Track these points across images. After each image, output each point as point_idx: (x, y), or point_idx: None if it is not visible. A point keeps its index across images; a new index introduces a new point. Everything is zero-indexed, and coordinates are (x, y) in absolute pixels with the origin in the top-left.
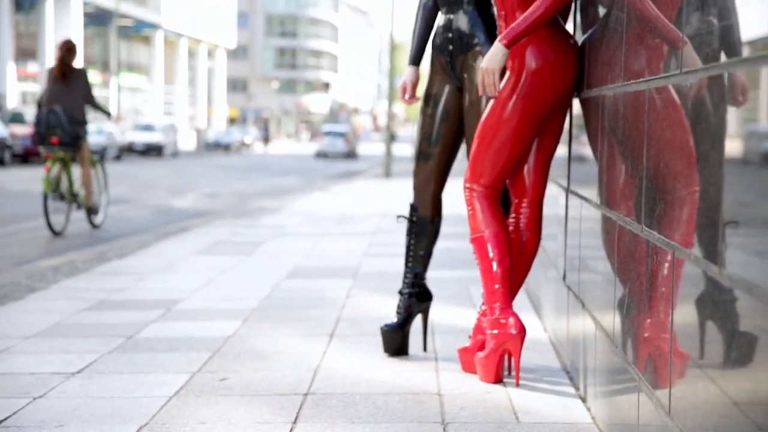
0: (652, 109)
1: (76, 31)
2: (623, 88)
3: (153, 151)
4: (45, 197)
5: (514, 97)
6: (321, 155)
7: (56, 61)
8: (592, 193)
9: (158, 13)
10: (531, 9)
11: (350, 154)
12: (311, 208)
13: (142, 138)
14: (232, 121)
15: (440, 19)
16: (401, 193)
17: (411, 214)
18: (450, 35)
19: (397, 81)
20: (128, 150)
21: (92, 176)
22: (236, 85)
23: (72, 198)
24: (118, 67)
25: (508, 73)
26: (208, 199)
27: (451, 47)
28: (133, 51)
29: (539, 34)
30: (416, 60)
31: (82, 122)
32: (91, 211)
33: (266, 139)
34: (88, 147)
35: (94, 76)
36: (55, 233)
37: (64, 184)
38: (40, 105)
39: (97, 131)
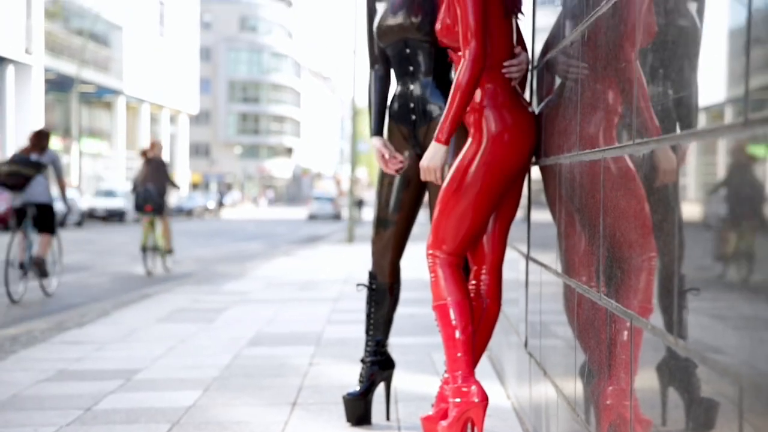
0: (607, 178)
1: (37, 98)
2: (579, 156)
3: (115, 216)
4: (6, 264)
5: (475, 164)
6: (312, 217)
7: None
8: (552, 259)
9: (120, 79)
10: (449, 100)
11: (337, 216)
12: (274, 273)
13: (103, 204)
14: (194, 186)
15: (397, 88)
16: (364, 258)
17: (370, 282)
18: (411, 105)
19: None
20: (90, 216)
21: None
22: (199, 150)
23: (154, 249)
24: (80, 133)
25: (469, 140)
26: (170, 265)
27: (413, 117)
28: (95, 117)
29: (498, 102)
30: (379, 131)
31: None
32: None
33: (220, 204)
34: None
35: (54, 143)
36: (13, 301)
37: (150, 240)
38: (135, 185)
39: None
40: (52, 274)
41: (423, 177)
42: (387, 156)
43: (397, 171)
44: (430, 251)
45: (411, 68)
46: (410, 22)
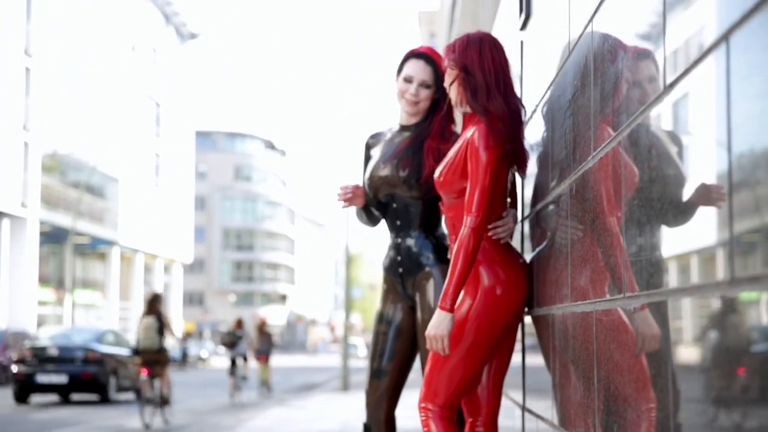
0: (599, 330)
1: (31, 250)
2: (571, 308)
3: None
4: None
5: (468, 319)
6: None
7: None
8: (548, 410)
9: (115, 230)
10: (450, 268)
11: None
12: (268, 424)
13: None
14: (188, 335)
15: (390, 241)
16: (359, 407)
17: None
18: (399, 258)
19: (353, 292)
20: None
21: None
22: (192, 299)
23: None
24: (73, 284)
25: (461, 295)
26: (158, 417)
27: (401, 270)
28: (89, 267)
29: (490, 258)
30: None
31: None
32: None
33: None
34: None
35: (48, 294)
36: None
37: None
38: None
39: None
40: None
41: (429, 346)
42: (347, 187)
43: (344, 198)
44: (423, 404)
45: (398, 222)
46: (397, 176)
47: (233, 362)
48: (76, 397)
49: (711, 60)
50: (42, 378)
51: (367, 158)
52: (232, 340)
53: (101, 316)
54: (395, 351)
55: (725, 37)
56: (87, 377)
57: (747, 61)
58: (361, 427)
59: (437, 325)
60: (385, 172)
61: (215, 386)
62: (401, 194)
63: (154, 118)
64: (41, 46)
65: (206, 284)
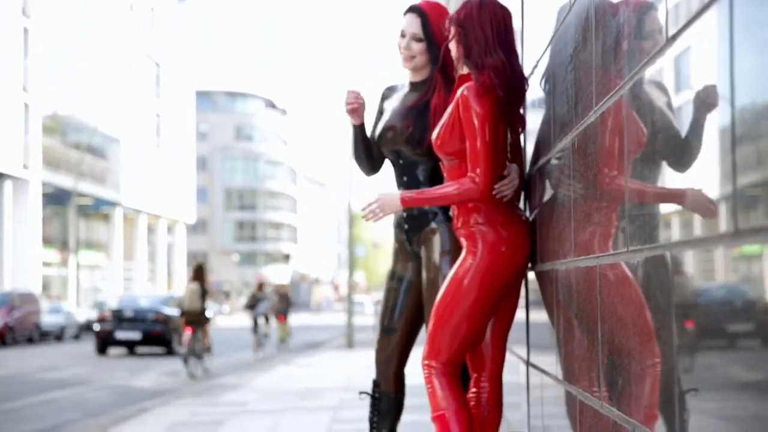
0: (603, 284)
1: (34, 211)
2: (574, 263)
3: None
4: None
5: (470, 276)
6: None
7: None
8: (552, 365)
9: (117, 191)
10: (436, 192)
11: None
12: (273, 382)
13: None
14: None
15: None
16: (364, 364)
17: (374, 391)
18: (405, 214)
19: (357, 250)
20: (87, 328)
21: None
22: (196, 259)
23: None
24: (77, 246)
25: (464, 253)
26: (169, 378)
27: (407, 226)
28: (92, 229)
29: (492, 219)
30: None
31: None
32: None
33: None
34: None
35: (52, 255)
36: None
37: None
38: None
39: (54, 310)
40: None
41: (363, 212)
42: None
43: (349, 104)
44: (426, 362)
45: (405, 178)
46: (401, 134)
47: (255, 322)
48: (142, 350)
49: (713, 11)
50: (120, 335)
51: (381, 111)
52: (253, 302)
53: (105, 277)
54: (405, 307)
55: None
56: (156, 334)
57: (750, 13)
58: (368, 384)
59: (388, 203)
60: (391, 131)
61: (219, 345)
62: (407, 152)
63: (153, 78)
64: (39, 7)
65: (209, 244)
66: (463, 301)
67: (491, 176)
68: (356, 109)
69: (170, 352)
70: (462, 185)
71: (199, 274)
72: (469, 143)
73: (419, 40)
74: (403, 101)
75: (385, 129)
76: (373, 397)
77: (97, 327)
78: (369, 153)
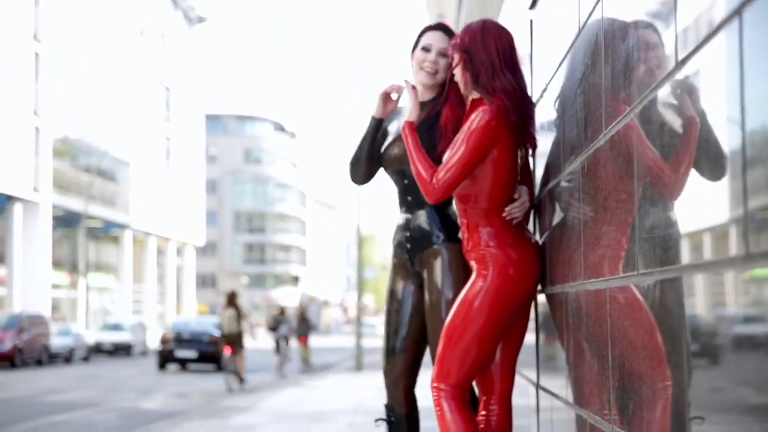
0: (613, 307)
1: (44, 234)
2: (584, 286)
3: (121, 350)
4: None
5: (480, 298)
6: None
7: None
8: (562, 388)
9: (127, 214)
10: (417, 156)
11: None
12: (282, 404)
13: (110, 338)
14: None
15: (399, 218)
16: (373, 386)
17: (388, 415)
18: (408, 234)
19: (366, 272)
20: (96, 350)
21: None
22: (205, 281)
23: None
24: (87, 268)
25: (474, 275)
26: (178, 399)
27: (409, 246)
28: (102, 251)
29: (501, 242)
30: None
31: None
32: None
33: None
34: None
35: (61, 278)
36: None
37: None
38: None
39: (64, 332)
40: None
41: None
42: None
43: (387, 92)
44: (435, 384)
45: (409, 198)
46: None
47: (278, 343)
48: (194, 367)
49: (722, 36)
50: (179, 353)
51: (385, 132)
52: (274, 325)
53: (115, 299)
54: (408, 328)
55: (738, 12)
56: (210, 353)
57: (759, 38)
58: (377, 406)
59: (409, 107)
60: (397, 149)
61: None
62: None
63: (163, 102)
64: (50, 31)
65: (219, 266)
66: (473, 323)
67: (448, 189)
68: (389, 101)
69: (219, 368)
70: (427, 175)
71: (231, 300)
72: (452, 149)
73: (445, 56)
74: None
75: (392, 146)
76: (388, 422)
77: (159, 347)
78: (372, 153)
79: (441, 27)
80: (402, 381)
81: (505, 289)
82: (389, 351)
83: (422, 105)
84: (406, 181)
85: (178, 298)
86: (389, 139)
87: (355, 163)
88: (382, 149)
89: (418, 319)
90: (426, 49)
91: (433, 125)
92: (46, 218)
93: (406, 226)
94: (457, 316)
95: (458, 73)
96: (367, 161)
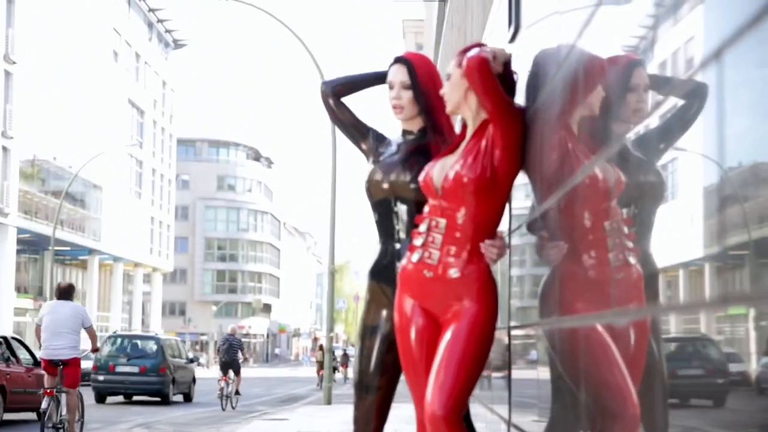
0: (587, 345)
1: (9, 258)
2: (558, 323)
3: (86, 377)
4: None
5: (487, 322)
6: None
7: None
8: (533, 425)
9: (95, 238)
10: (497, 90)
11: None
12: None
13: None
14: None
15: (380, 248)
16: (342, 421)
17: None
18: (394, 262)
19: (337, 303)
20: None
21: None
22: (174, 309)
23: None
24: (52, 293)
25: (472, 301)
26: (142, 430)
27: (388, 276)
28: (69, 276)
29: (488, 272)
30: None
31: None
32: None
33: (197, 363)
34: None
35: (26, 303)
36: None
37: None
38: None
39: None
40: None
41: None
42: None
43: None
44: (434, 412)
45: (397, 227)
46: (405, 180)
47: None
48: None
49: (700, 76)
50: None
51: (376, 159)
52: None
53: None
54: (385, 365)
55: (716, 54)
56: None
57: (739, 77)
58: None
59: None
60: (392, 176)
61: (196, 396)
62: (407, 197)
63: (136, 125)
64: (23, 52)
65: (188, 294)
66: (485, 348)
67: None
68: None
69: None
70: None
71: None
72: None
73: (407, 87)
74: (399, 147)
75: (383, 179)
76: None
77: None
78: (357, 88)
79: (397, 59)
80: (373, 420)
81: (496, 312)
82: (363, 387)
83: (409, 132)
84: (395, 209)
85: (145, 326)
86: (382, 166)
87: (340, 79)
88: (365, 179)
89: (392, 355)
90: (390, 87)
91: (428, 150)
92: (12, 242)
93: (391, 255)
94: (470, 343)
95: (472, 98)
96: (349, 90)
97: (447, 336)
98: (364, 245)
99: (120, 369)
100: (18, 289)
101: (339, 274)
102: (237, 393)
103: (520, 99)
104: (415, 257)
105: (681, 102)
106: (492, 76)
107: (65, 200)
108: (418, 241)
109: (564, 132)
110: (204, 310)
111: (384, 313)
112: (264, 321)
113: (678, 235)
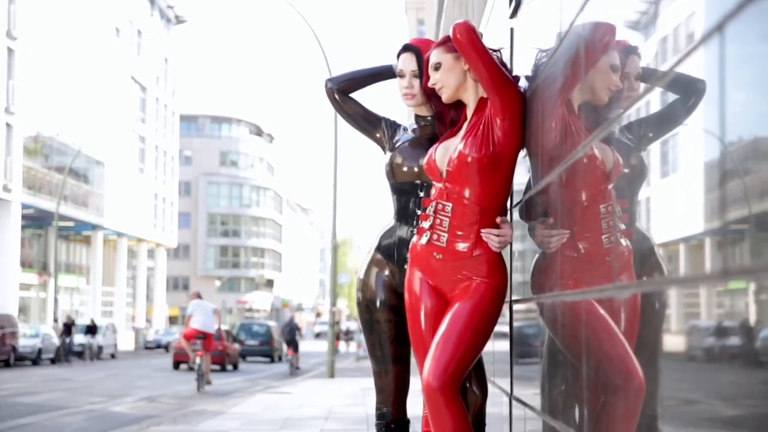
0: (589, 319)
1: (13, 234)
2: (561, 297)
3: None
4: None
5: (496, 298)
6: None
7: None
8: (535, 398)
9: (99, 214)
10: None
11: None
12: (254, 410)
13: (79, 339)
14: (172, 320)
15: (394, 225)
16: (346, 393)
17: (389, 422)
18: (405, 249)
19: (340, 277)
20: (68, 352)
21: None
22: (177, 284)
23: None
24: (57, 269)
25: (481, 280)
26: (147, 403)
27: (396, 256)
28: (73, 252)
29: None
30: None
31: None
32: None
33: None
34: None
35: (31, 278)
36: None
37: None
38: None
39: (32, 333)
40: None
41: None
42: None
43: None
44: (431, 383)
45: (418, 211)
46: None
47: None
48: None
49: (702, 51)
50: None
51: (393, 146)
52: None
53: (85, 301)
54: (407, 337)
55: (719, 28)
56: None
57: (739, 52)
58: (350, 412)
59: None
60: (421, 161)
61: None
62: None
63: (139, 101)
64: (25, 28)
65: (191, 269)
66: (489, 324)
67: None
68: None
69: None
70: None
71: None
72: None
73: (417, 76)
74: (419, 134)
75: (411, 162)
76: (389, 428)
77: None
78: (363, 85)
79: (407, 48)
80: (397, 390)
81: (506, 288)
82: (390, 359)
83: (423, 118)
84: (422, 193)
85: (149, 301)
86: (404, 154)
87: (347, 74)
88: (387, 161)
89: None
90: (401, 76)
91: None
92: (16, 218)
93: (405, 240)
94: (476, 318)
95: (470, 80)
96: (356, 86)
97: (452, 310)
98: (366, 220)
99: None
100: (23, 264)
101: (342, 249)
102: (297, 368)
103: (520, 74)
104: (424, 239)
105: (677, 96)
106: (482, 42)
107: (69, 176)
108: (425, 224)
109: (564, 109)
110: (207, 285)
111: (382, 281)
112: (267, 296)
113: (680, 208)
